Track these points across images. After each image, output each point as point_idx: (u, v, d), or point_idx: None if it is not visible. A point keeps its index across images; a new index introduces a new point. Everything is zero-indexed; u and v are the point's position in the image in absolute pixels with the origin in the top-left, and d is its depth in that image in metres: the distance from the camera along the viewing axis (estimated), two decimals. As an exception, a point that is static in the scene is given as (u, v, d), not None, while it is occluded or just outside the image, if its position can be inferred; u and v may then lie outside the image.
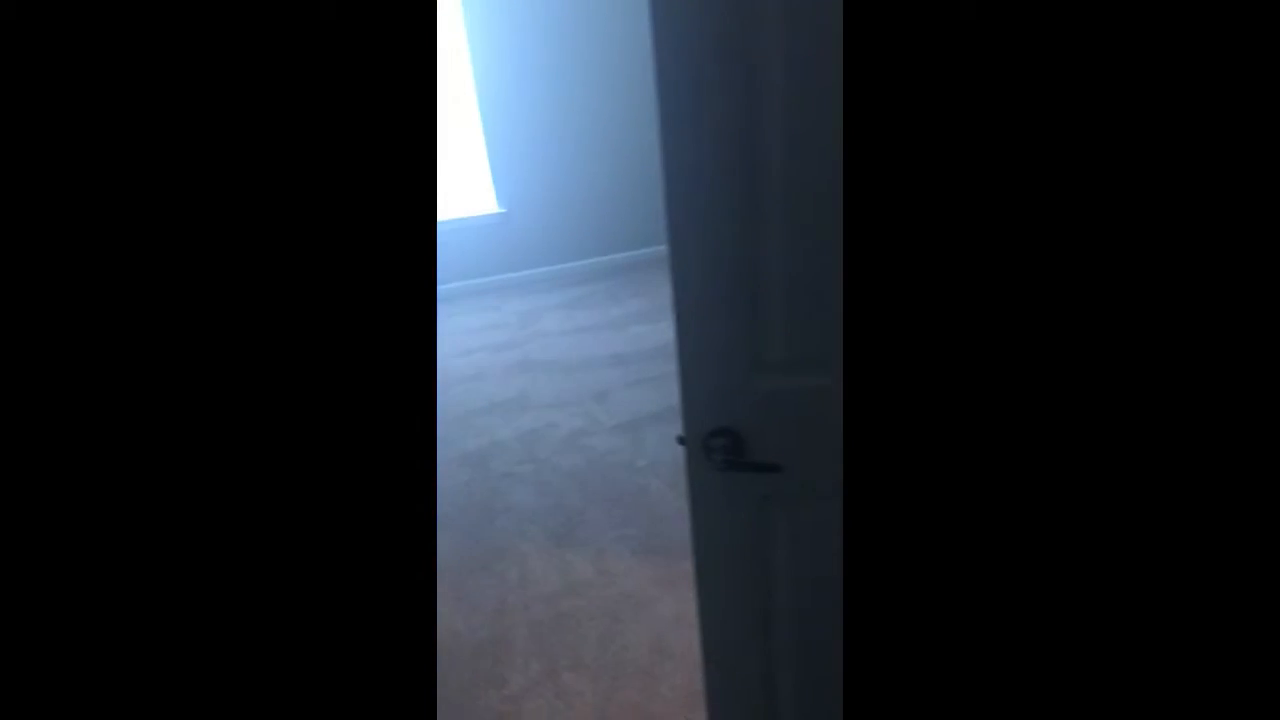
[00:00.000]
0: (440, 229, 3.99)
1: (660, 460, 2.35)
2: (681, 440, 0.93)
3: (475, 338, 3.53)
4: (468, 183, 3.99)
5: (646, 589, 1.81)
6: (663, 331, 3.37)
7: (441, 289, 4.13)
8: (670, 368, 2.99)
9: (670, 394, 2.77)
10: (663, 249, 4.46)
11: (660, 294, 3.86)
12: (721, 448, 0.88)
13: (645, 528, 2.04)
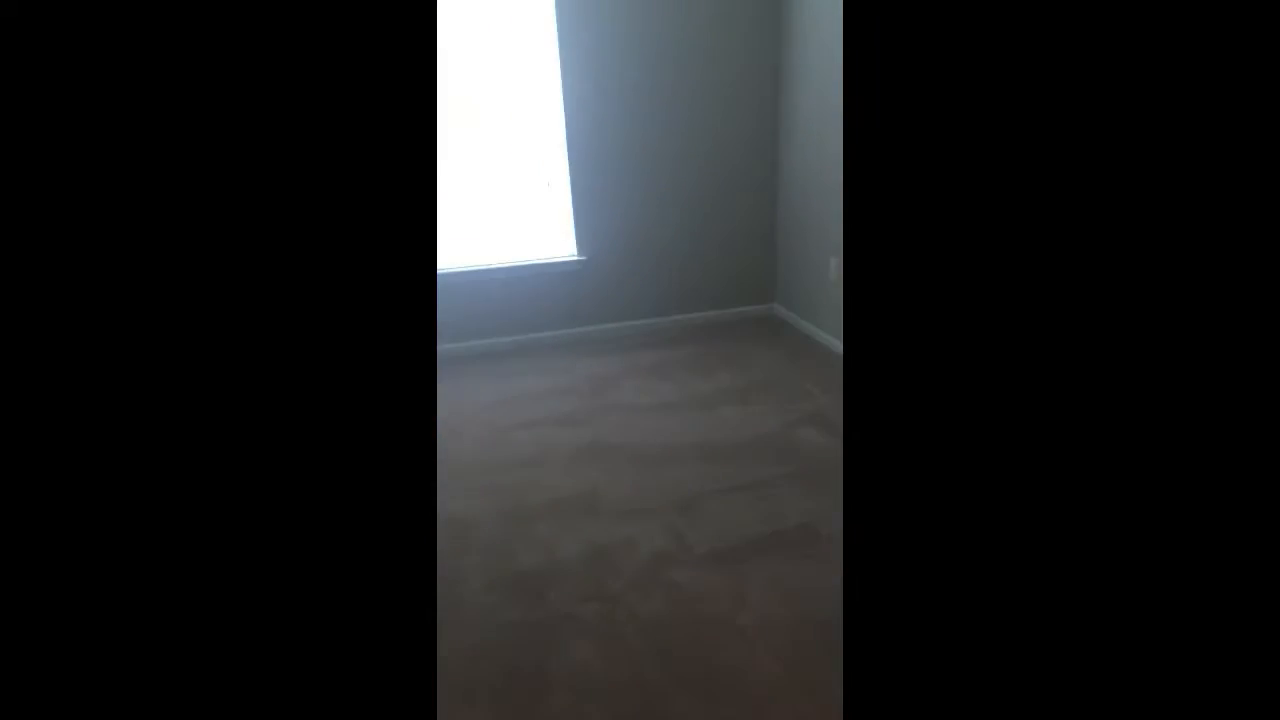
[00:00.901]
0: (512, 274, 3.57)
1: (771, 621, 1.75)
2: None
3: (540, 405, 3.03)
4: (547, 228, 3.56)
5: None
6: (757, 417, 2.79)
7: (505, 342, 3.68)
8: (773, 472, 2.40)
9: (775, 513, 2.18)
10: (753, 309, 3.93)
11: (754, 369, 3.30)
12: None
13: (755, 741, 1.44)
